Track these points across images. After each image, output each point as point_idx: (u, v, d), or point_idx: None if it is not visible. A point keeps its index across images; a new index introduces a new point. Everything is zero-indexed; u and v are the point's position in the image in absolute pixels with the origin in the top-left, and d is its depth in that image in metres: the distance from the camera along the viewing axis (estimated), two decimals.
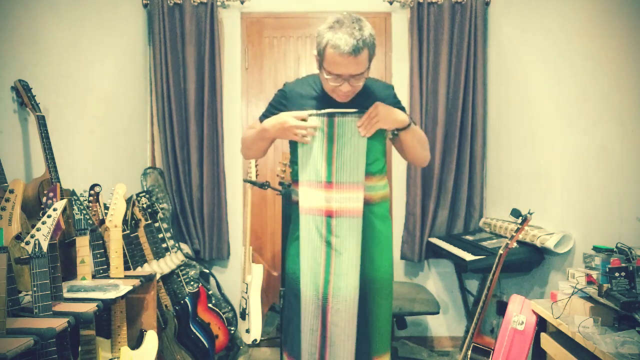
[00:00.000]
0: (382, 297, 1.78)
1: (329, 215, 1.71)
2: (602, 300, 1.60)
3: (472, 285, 3.16)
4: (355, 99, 1.72)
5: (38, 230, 1.46)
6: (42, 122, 1.86)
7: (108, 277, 1.94)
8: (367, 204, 1.74)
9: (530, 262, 2.45)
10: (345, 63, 1.58)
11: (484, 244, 2.61)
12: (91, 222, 1.86)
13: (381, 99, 1.75)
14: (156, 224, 2.59)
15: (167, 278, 2.62)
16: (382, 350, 1.79)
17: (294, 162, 1.83)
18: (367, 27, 1.60)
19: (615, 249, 1.72)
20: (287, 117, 1.71)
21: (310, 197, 1.73)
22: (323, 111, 1.72)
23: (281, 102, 1.80)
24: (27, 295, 1.59)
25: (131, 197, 2.47)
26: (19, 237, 1.58)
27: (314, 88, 1.78)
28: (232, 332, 2.95)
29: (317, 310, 1.71)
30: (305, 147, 1.74)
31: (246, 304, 2.72)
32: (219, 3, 3.15)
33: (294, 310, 1.77)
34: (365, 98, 1.73)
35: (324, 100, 1.74)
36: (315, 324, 1.72)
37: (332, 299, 1.69)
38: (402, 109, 1.83)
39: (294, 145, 1.81)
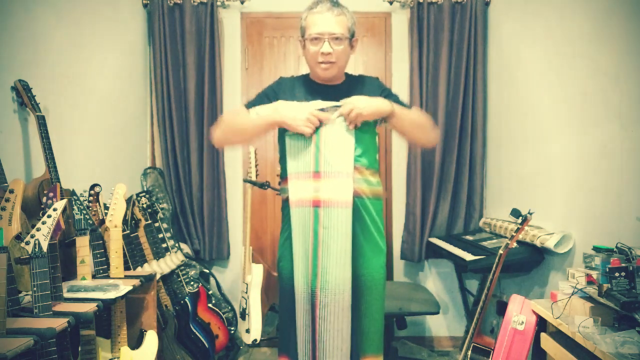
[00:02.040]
0: (372, 296, 1.74)
1: (317, 205, 1.68)
2: (602, 300, 1.60)
3: (472, 285, 3.16)
4: (347, 93, 1.75)
5: (38, 230, 1.46)
6: (42, 122, 1.86)
7: (108, 277, 1.94)
8: (358, 197, 1.71)
9: (530, 262, 2.44)
10: (323, 20, 1.70)
11: (484, 244, 2.61)
12: (91, 222, 1.86)
13: (371, 90, 1.79)
14: (156, 224, 2.59)
15: (167, 278, 2.62)
16: (371, 351, 1.76)
17: (282, 158, 1.83)
18: (346, 7, 1.76)
19: (615, 249, 1.71)
20: (309, 110, 1.71)
21: (299, 189, 1.72)
22: (311, 102, 1.74)
23: (273, 88, 1.86)
24: (27, 295, 1.58)
25: (131, 197, 2.48)
26: (19, 237, 1.58)
27: (305, 83, 1.86)
28: (232, 332, 2.95)
29: (307, 305, 1.69)
30: (293, 139, 1.74)
31: (246, 304, 2.72)
32: (219, 3, 3.14)
33: (289, 310, 1.75)
34: (357, 92, 1.75)
35: (313, 94, 1.79)
36: (307, 320, 1.70)
37: (320, 292, 1.66)
38: (394, 96, 1.84)
39: (282, 140, 1.82)
